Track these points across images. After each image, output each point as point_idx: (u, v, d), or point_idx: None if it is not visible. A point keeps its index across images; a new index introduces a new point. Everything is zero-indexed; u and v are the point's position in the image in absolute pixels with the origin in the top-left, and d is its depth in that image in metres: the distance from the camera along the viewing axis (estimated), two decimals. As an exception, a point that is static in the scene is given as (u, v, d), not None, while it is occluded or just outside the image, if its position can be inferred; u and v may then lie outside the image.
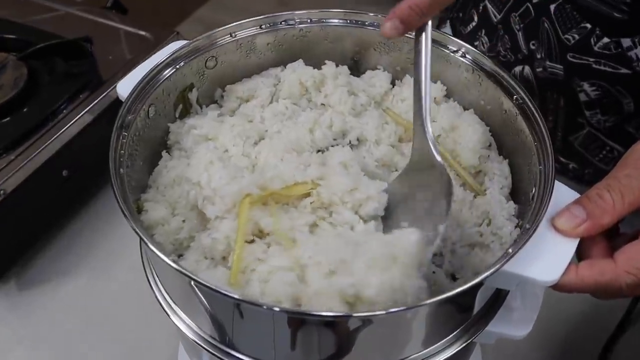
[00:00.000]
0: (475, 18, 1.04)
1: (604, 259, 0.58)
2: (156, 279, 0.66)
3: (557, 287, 0.57)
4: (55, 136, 0.96)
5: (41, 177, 0.95)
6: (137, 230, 0.55)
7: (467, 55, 0.73)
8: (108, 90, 1.03)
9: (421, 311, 0.57)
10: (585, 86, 0.91)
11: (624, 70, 0.87)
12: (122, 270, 0.99)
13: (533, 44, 0.94)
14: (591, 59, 0.89)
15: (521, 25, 0.94)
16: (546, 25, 0.91)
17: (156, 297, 0.66)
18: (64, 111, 0.99)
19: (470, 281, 0.53)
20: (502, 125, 0.71)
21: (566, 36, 0.89)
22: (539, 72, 0.94)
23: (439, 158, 0.63)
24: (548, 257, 0.57)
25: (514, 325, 0.65)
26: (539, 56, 0.93)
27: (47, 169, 0.95)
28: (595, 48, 0.87)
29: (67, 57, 1.05)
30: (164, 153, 0.71)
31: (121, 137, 0.64)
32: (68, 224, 1.04)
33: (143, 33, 1.11)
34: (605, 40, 0.86)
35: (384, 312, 0.52)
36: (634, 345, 0.88)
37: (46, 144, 0.95)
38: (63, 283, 0.97)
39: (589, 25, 0.87)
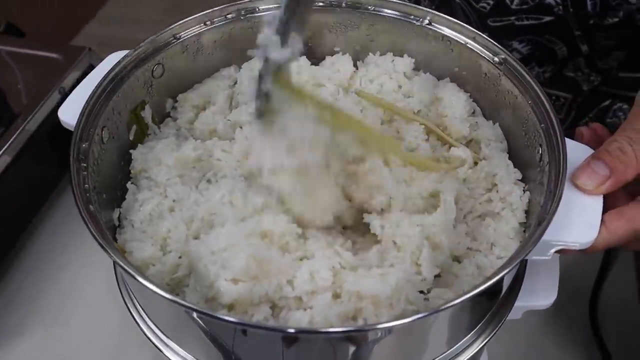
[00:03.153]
0: None
1: (628, 206, 0.55)
2: (144, 316, 0.58)
3: (591, 247, 0.54)
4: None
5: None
6: (130, 270, 0.47)
7: (434, 23, 0.68)
8: (24, 124, 0.91)
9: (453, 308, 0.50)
10: (515, 44, 0.90)
11: (547, 18, 0.86)
12: (78, 320, 0.89)
13: None
14: (512, 18, 0.87)
15: (432, 7, 0.92)
16: (457, 0, 0.89)
17: (146, 334, 0.58)
18: (-23, 154, 0.87)
19: (515, 258, 0.49)
20: (483, 90, 0.68)
21: (481, 4, 0.88)
22: None
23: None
24: (579, 218, 0.54)
25: (540, 295, 0.61)
26: None
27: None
28: (513, 6, 0.86)
29: (-33, 94, 0.93)
30: (130, 185, 0.63)
31: (81, 170, 0.55)
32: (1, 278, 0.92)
33: (51, 55, 0.99)
34: None
35: (409, 319, 0.46)
36: (618, 283, 0.88)
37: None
38: (9, 346, 0.86)
39: None
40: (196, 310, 0.46)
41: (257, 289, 0.51)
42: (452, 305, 0.46)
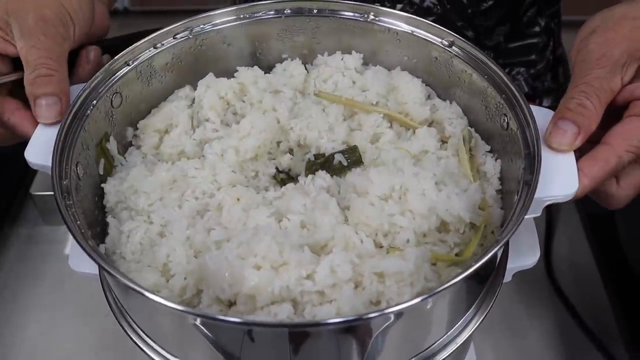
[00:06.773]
0: None
1: (598, 148, 0.59)
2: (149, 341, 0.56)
3: (576, 195, 0.58)
4: None
5: None
6: (143, 292, 0.46)
7: (379, 17, 0.70)
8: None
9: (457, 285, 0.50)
10: None
11: (430, 18, 0.92)
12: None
13: None
14: None
15: None
16: None
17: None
18: None
19: (518, 217, 0.52)
20: (434, 73, 0.71)
21: None
22: None
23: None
24: (558, 173, 0.57)
25: (525, 255, 0.64)
26: None
27: None
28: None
29: None
30: (110, 219, 0.61)
31: (69, 207, 0.53)
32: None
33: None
34: None
35: (418, 299, 0.46)
36: (565, 238, 0.96)
37: None
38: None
39: None
40: (208, 317, 0.47)
41: (277, 280, 0.51)
42: (474, 270, 0.48)
